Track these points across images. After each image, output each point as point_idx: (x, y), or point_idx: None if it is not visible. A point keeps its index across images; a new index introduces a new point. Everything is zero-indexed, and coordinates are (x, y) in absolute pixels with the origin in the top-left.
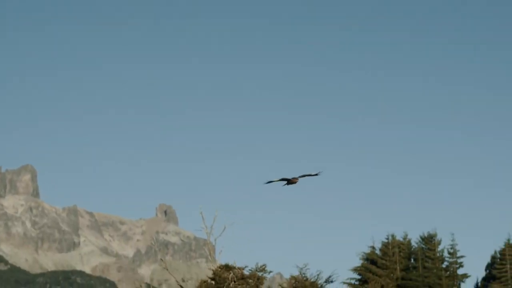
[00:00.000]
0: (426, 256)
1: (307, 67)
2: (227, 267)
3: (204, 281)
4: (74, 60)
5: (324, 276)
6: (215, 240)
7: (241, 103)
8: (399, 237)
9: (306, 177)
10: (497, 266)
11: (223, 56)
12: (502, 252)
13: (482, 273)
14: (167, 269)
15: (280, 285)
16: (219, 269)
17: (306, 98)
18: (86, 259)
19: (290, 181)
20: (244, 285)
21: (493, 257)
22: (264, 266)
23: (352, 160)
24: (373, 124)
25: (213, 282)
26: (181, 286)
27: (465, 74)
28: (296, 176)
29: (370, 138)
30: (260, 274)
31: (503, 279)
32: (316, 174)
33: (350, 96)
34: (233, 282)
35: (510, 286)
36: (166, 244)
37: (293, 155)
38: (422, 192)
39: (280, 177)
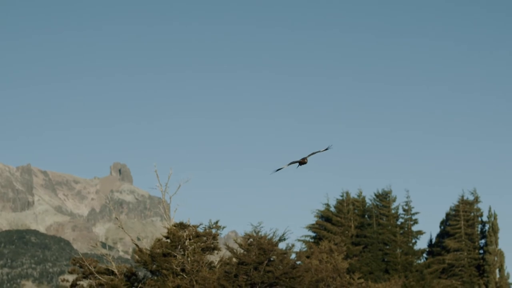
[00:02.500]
0: (380, 213)
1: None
2: (182, 225)
3: (159, 240)
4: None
5: (279, 234)
6: (170, 198)
7: (197, 64)
8: (353, 195)
9: (316, 154)
10: (451, 223)
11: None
12: (456, 208)
13: (437, 230)
14: (122, 228)
15: (234, 240)
16: (174, 227)
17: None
18: (40, 218)
19: (301, 163)
20: (199, 243)
21: (448, 214)
22: (217, 222)
23: (307, 116)
24: (328, 81)
25: (168, 240)
26: (136, 244)
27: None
28: (306, 156)
29: (326, 93)
30: (214, 231)
31: (457, 235)
32: (326, 149)
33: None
34: (188, 240)
35: (463, 242)
36: (120, 203)
37: (246, 111)
38: (377, 149)
39: (289, 162)
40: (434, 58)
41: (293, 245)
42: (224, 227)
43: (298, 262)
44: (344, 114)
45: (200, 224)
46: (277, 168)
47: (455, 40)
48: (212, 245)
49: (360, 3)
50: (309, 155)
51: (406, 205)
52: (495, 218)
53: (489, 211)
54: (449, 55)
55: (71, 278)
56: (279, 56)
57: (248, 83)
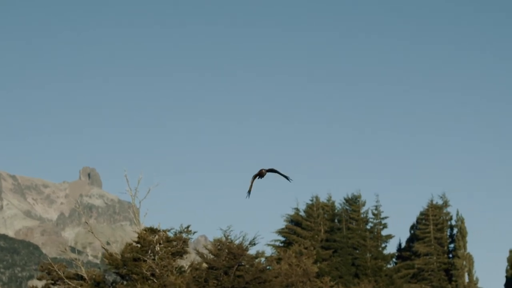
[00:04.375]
0: (350, 218)
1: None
2: (152, 230)
3: (129, 244)
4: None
5: (249, 239)
6: (140, 202)
7: (169, 66)
8: (323, 199)
9: (275, 173)
10: (420, 227)
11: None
12: (425, 212)
13: (406, 234)
14: (92, 232)
15: (204, 246)
16: (144, 232)
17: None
18: (9, 222)
19: (260, 175)
20: (169, 248)
21: (418, 218)
22: (188, 227)
23: (278, 118)
24: (302, 83)
25: (138, 245)
26: (105, 249)
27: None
28: (265, 168)
29: (301, 96)
30: (185, 235)
31: (426, 239)
32: (286, 178)
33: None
34: (158, 245)
35: (433, 246)
36: (90, 207)
37: (214, 114)
38: (346, 153)
39: (251, 179)
40: (411, 58)
41: (263, 252)
42: (195, 232)
43: (268, 267)
44: (313, 116)
45: (171, 229)
46: (248, 190)
47: (437, 39)
48: (182, 250)
49: (360, 3)
50: (269, 170)
51: (375, 209)
52: (462, 222)
53: (457, 215)
54: (430, 55)
55: (40, 284)
56: (253, 56)
57: (222, 84)
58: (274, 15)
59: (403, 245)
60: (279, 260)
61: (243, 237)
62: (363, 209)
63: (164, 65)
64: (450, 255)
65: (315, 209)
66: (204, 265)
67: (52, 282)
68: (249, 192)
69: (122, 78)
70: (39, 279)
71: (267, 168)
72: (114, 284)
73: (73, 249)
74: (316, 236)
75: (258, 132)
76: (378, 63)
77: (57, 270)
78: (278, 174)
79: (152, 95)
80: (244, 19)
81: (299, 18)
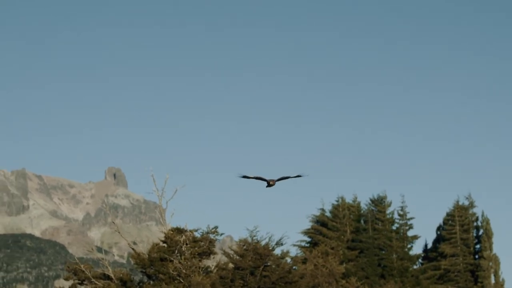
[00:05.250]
0: (376, 218)
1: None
2: (179, 230)
3: (156, 244)
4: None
5: (275, 239)
6: (166, 203)
7: (188, 67)
8: (348, 200)
9: (286, 179)
10: (446, 228)
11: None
12: (451, 213)
13: (432, 235)
14: (118, 232)
15: (229, 247)
16: (171, 232)
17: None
18: (35, 222)
19: (268, 184)
20: (196, 248)
21: (445, 219)
22: (215, 229)
23: (302, 121)
24: (319, 86)
25: (165, 245)
26: (133, 248)
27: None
28: (275, 178)
29: (321, 99)
30: (212, 236)
31: (452, 240)
32: (298, 176)
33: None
34: (185, 245)
35: (459, 247)
36: (115, 207)
37: (242, 115)
38: (372, 154)
39: (257, 175)
40: (430, 61)
41: (288, 251)
42: (222, 234)
43: (294, 267)
44: (339, 118)
45: (198, 229)
46: (243, 175)
47: (455, 43)
48: (209, 250)
49: (362, 4)
50: (279, 179)
51: (401, 210)
52: (488, 223)
53: (482, 216)
54: (447, 58)
55: (67, 284)
56: (271, 56)
57: (246, 85)
58: (275, 15)
59: (429, 246)
60: (304, 260)
61: (269, 237)
62: (388, 210)
63: (187, 65)
64: (476, 256)
65: (341, 209)
66: (230, 265)
67: (79, 282)
68: (244, 176)
69: (147, 78)
70: (66, 279)
71: (276, 178)
72: (141, 284)
73: (99, 249)
74: (342, 237)
75: (284, 133)
76: (407, 64)
77: (84, 270)
78: (289, 179)
79: (177, 95)
80: (248, 19)
81: (301, 18)
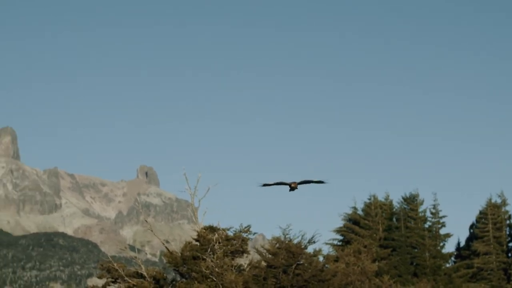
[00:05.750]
0: (408, 217)
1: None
2: (212, 229)
3: (189, 243)
4: (59, 25)
5: (307, 237)
6: (199, 201)
7: (225, 62)
8: (381, 198)
9: (308, 183)
10: (479, 226)
11: None
12: (484, 212)
13: (464, 233)
14: (151, 231)
15: (262, 246)
16: (204, 231)
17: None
18: (68, 221)
19: (290, 187)
20: (228, 246)
21: (477, 217)
22: (248, 227)
23: (334, 122)
24: (354, 88)
25: (197, 243)
26: (166, 247)
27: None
28: (296, 181)
29: (352, 100)
30: (244, 235)
31: (485, 238)
32: (320, 182)
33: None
34: (217, 244)
35: (492, 245)
36: (147, 206)
37: (276, 115)
38: (404, 153)
39: (277, 181)
40: (455, 64)
41: (320, 249)
42: (255, 233)
43: (326, 266)
44: (372, 118)
45: (230, 228)
46: (264, 184)
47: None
48: (241, 249)
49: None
50: (301, 182)
51: (433, 208)
52: None
53: None
54: (466, 60)
55: (100, 282)
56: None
57: (279, 87)
58: (278, 15)
59: (462, 244)
60: (337, 259)
61: (302, 236)
62: (421, 208)
63: (218, 64)
64: (509, 254)
65: (373, 208)
66: (263, 263)
67: (112, 280)
68: (265, 185)
69: (179, 78)
70: (99, 277)
71: (298, 181)
72: (174, 282)
73: (132, 248)
74: (374, 235)
75: (317, 134)
76: (437, 67)
77: (117, 268)
78: (311, 183)
79: (210, 95)
80: (257, 19)
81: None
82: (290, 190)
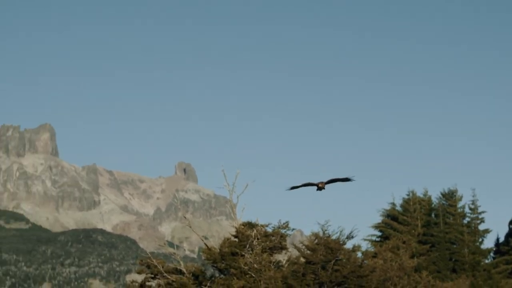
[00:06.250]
0: (447, 212)
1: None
2: (250, 225)
3: (227, 239)
4: (89, 20)
5: (346, 233)
6: (237, 197)
7: (261, 64)
8: (419, 194)
9: (335, 182)
10: None
11: None
12: None
13: (505, 229)
14: (190, 227)
15: (301, 242)
16: (242, 227)
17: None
18: (106, 217)
19: (318, 188)
20: (267, 243)
21: None
22: (287, 224)
23: (372, 118)
24: (391, 85)
25: (236, 239)
26: (205, 243)
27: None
28: (323, 181)
29: (390, 98)
30: (283, 231)
31: None
32: (347, 179)
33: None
34: (256, 240)
35: None
36: (186, 202)
37: (315, 114)
38: (442, 149)
39: (304, 182)
40: (494, 62)
41: (359, 245)
42: (293, 229)
43: (365, 262)
44: (411, 114)
45: (269, 224)
46: (292, 187)
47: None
48: (280, 245)
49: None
50: (328, 182)
51: (472, 204)
52: None
53: None
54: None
55: (139, 278)
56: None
57: (316, 87)
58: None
59: (501, 240)
60: (375, 254)
61: (340, 231)
62: (459, 204)
63: (262, 63)
64: None
65: (411, 203)
66: (302, 259)
67: (152, 276)
68: (293, 188)
69: (218, 71)
70: (139, 272)
71: (325, 181)
72: (212, 278)
73: (170, 244)
74: (413, 231)
75: (355, 131)
76: (470, 65)
77: (156, 264)
78: (339, 182)
79: (249, 92)
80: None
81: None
82: (317, 190)
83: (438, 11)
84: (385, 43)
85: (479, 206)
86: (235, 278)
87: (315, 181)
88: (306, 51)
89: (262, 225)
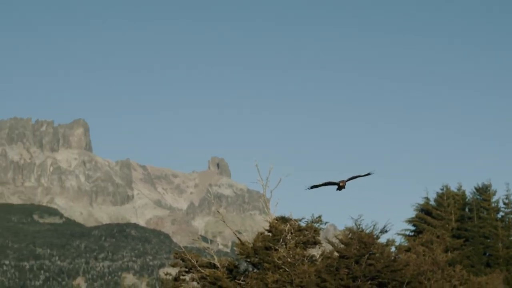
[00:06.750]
0: (481, 207)
1: None
2: (283, 219)
3: (261, 233)
4: (125, 16)
5: (379, 227)
6: (271, 192)
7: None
8: (453, 188)
9: (356, 178)
10: None
11: None
12: None
13: None
14: (223, 221)
15: (336, 236)
16: (275, 221)
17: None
18: (140, 212)
19: (340, 187)
20: (300, 237)
21: None
22: (320, 217)
23: (407, 114)
24: (426, 82)
25: (269, 234)
26: (238, 237)
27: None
28: (344, 179)
29: (424, 92)
30: (316, 225)
31: None
32: (368, 174)
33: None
34: (290, 234)
35: None
36: (219, 197)
37: (349, 109)
38: (477, 143)
39: (325, 181)
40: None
41: (393, 240)
42: (326, 223)
43: (398, 256)
44: (444, 110)
45: (302, 218)
46: (312, 186)
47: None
48: (314, 239)
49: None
50: (349, 179)
51: (506, 198)
52: None
53: None
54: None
55: (173, 271)
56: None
57: (352, 85)
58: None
59: None
60: (408, 249)
61: (374, 225)
62: (493, 198)
63: (298, 60)
64: None
65: (445, 198)
66: (335, 254)
67: (186, 270)
68: (313, 187)
69: (250, 71)
70: (173, 266)
71: (345, 178)
72: (246, 273)
73: (204, 238)
74: (447, 225)
75: (388, 127)
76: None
77: (190, 258)
78: (359, 178)
79: (280, 88)
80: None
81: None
82: (338, 189)
83: None
84: (421, 39)
85: None
86: (269, 272)
87: (336, 180)
88: (344, 49)
89: (295, 220)
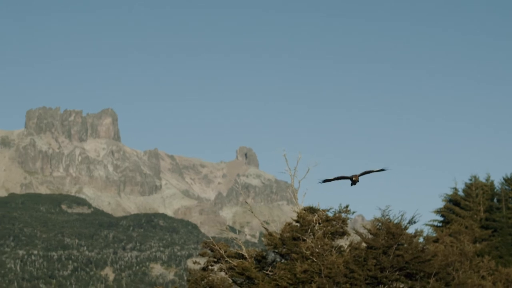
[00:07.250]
0: (510, 197)
1: None
2: (311, 210)
3: (289, 224)
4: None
5: (407, 218)
6: (299, 182)
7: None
8: (482, 179)
9: (369, 173)
10: None
11: None
12: None
13: None
14: (251, 212)
15: (364, 226)
16: (304, 212)
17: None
18: (168, 202)
19: (353, 182)
20: (328, 227)
21: None
22: (347, 208)
23: (433, 107)
24: (454, 76)
25: (297, 224)
26: (265, 228)
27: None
28: (357, 173)
29: (453, 85)
30: (344, 215)
31: None
32: (382, 170)
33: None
34: (317, 224)
35: None
36: (247, 187)
37: (378, 103)
38: (505, 134)
39: (337, 176)
40: None
41: (421, 231)
42: (354, 212)
43: (426, 247)
44: (472, 100)
45: (330, 209)
46: (325, 180)
47: None
48: (342, 230)
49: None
50: (362, 174)
51: None
52: None
53: None
54: None
55: (202, 260)
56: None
57: (379, 76)
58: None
59: None
60: (436, 240)
61: (402, 216)
62: None
63: (319, 48)
64: None
65: (474, 188)
66: (363, 244)
67: (214, 260)
68: (326, 180)
69: (279, 59)
70: (202, 254)
71: (358, 173)
72: (274, 263)
73: (231, 229)
74: (475, 216)
75: (416, 118)
76: None
77: (218, 248)
78: (372, 173)
79: (312, 76)
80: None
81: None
82: (352, 184)
83: None
84: (451, 35)
85: None
86: (297, 262)
87: (349, 175)
88: (375, 41)
89: (323, 210)
